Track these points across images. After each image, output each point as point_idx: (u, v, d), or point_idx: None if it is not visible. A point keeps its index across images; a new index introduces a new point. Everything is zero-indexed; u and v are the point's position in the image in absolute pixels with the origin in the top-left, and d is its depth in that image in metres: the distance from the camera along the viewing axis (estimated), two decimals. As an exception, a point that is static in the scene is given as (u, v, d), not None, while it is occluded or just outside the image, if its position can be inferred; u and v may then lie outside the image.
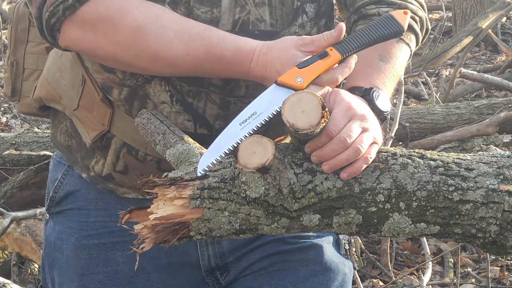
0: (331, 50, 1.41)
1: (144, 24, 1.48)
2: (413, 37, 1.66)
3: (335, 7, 1.72)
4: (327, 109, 1.31)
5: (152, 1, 1.52)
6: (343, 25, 1.41)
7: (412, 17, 1.63)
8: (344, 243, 1.82)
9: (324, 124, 1.31)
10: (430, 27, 1.73)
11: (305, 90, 1.36)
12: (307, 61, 1.40)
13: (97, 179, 1.71)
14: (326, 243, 1.77)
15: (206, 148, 1.45)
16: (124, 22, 1.49)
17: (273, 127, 1.38)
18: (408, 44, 1.64)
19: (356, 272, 3.14)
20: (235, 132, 1.35)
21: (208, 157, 1.35)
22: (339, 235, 1.81)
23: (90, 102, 1.67)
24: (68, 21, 1.51)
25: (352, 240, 1.75)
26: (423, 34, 1.70)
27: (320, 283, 1.75)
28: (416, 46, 1.68)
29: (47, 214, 1.83)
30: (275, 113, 1.37)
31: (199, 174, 1.35)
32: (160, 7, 1.51)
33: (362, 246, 3.83)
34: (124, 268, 1.71)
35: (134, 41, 1.49)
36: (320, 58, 1.40)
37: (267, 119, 1.37)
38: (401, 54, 1.61)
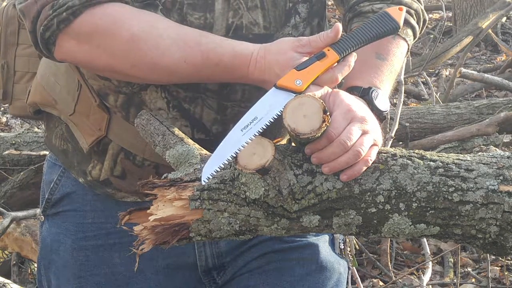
0: (328, 50, 1.41)
1: (139, 33, 1.48)
2: (409, 31, 1.66)
3: (332, 6, 1.72)
4: (328, 113, 1.31)
5: (144, 9, 1.51)
6: (339, 25, 1.41)
7: (407, 11, 1.63)
8: (339, 243, 1.82)
9: (325, 128, 1.31)
10: (427, 18, 1.73)
11: (306, 94, 1.35)
12: (305, 63, 1.40)
13: (94, 184, 1.70)
14: (322, 242, 1.77)
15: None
16: (120, 33, 1.48)
17: (270, 129, 1.38)
18: (404, 39, 1.64)
19: (356, 271, 3.14)
20: (237, 138, 1.34)
21: (212, 164, 1.34)
22: (334, 235, 1.81)
23: (87, 107, 1.67)
24: (63, 34, 1.50)
25: (347, 240, 1.74)
26: (421, 26, 1.70)
27: (316, 282, 1.75)
28: (414, 39, 1.68)
29: (42, 216, 1.82)
30: (276, 117, 1.36)
31: (203, 183, 1.34)
32: (154, 15, 1.51)
33: (357, 246, 3.83)
34: (122, 270, 1.70)
35: (130, 52, 1.49)
36: (318, 59, 1.40)
37: (268, 124, 1.36)
38: (398, 50, 1.62)
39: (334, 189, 1.35)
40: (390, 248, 3.95)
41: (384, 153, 1.39)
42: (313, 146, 1.34)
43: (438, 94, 5.77)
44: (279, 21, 1.60)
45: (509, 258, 3.99)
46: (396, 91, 3.90)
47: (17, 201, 4.09)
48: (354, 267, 3.06)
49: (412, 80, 6.76)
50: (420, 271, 3.82)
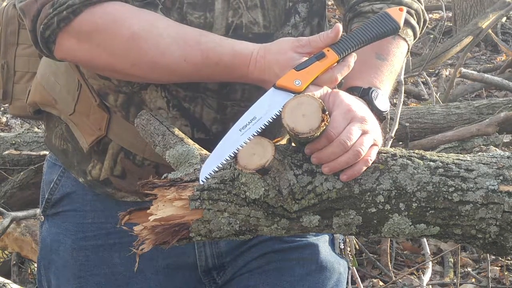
0: (328, 51, 1.41)
1: (139, 32, 1.48)
2: (409, 31, 1.66)
3: (332, 6, 1.73)
4: (327, 112, 1.31)
5: (144, 8, 1.51)
6: (339, 25, 1.41)
7: (407, 11, 1.63)
8: (339, 243, 1.82)
9: (324, 127, 1.31)
10: (427, 18, 1.73)
11: (305, 93, 1.35)
12: (305, 63, 1.40)
13: (94, 183, 1.70)
14: (322, 242, 1.77)
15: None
16: (120, 32, 1.49)
17: (269, 129, 1.38)
18: (405, 39, 1.64)
19: (356, 271, 3.14)
20: (235, 138, 1.34)
21: (210, 164, 1.34)
22: (334, 235, 1.81)
23: (87, 107, 1.67)
24: (63, 33, 1.51)
25: (347, 240, 1.75)
26: (421, 26, 1.70)
27: (316, 282, 1.75)
28: (415, 39, 1.69)
29: (42, 216, 1.82)
30: (274, 117, 1.36)
31: (201, 182, 1.34)
32: (154, 14, 1.51)
33: (357, 246, 3.83)
34: (122, 270, 1.70)
35: (130, 50, 1.49)
36: (317, 60, 1.40)
37: (266, 124, 1.36)
38: (398, 51, 1.62)
39: (334, 189, 1.35)
40: (390, 248, 3.95)
41: (384, 153, 1.39)
42: (313, 146, 1.34)
43: (438, 94, 5.77)
44: (278, 21, 1.60)
45: (509, 258, 3.99)
46: (396, 91, 3.90)
47: (17, 201, 4.09)
48: (354, 267, 3.06)
49: (412, 80, 6.76)
50: (420, 271, 3.82)
